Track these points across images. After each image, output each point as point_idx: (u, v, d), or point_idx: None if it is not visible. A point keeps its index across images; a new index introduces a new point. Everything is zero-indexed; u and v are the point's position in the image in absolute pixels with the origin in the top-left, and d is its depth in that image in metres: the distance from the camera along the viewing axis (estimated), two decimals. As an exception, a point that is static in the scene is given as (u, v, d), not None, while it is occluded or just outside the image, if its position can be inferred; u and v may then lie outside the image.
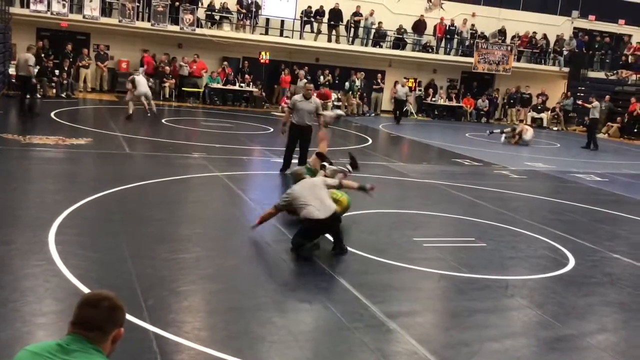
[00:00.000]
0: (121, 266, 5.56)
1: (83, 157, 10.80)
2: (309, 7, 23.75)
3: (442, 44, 26.01)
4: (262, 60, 22.52)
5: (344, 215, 7.64)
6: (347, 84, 23.48)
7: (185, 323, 4.61)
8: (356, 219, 7.93)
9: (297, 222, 7.61)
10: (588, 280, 6.56)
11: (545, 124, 25.36)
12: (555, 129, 25.29)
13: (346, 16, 24.16)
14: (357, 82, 23.63)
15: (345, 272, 5.97)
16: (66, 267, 5.36)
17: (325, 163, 8.29)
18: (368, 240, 7.32)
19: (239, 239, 6.73)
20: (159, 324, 4.45)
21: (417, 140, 18.05)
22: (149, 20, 21.31)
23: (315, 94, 11.83)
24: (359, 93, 23.78)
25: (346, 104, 23.34)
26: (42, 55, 18.52)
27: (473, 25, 26.42)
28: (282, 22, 23.76)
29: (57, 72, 19.54)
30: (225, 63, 22.60)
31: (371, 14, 24.53)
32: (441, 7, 26.02)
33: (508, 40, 26.61)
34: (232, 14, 23.00)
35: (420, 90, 26.00)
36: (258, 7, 23.09)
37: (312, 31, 23.96)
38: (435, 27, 25.63)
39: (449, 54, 26.14)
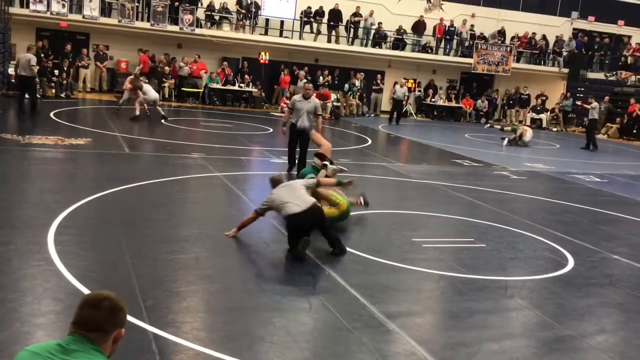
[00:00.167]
0: (120, 266, 5.56)
1: (82, 157, 10.79)
2: (309, 7, 23.75)
3: (442, 45, 26.02)
4: (261, 61, 22.52)
5: (345, 218, 7.71)
6: (346, 85, 23.48)
7: (185, 323, 4.61)
8: (355, 219, 7.93)
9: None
10: (587, 281, 6.56)
11: (544, 124, 25.37)
12: (554, 129, 25.30)
13: (346, 17, 24.17)
14: (357, 83, 23.62)
15: (344, 273, 5.96)
16: (65, 268, 5.36)
17: (326, 162, 8.28)
18: (367, 240, 7.32)
19: (238, 240, 6.73)
20: (158, 324, 4.45)
21: (417, 141, 18.06)
22: (148, 21, 21.32)
23: (314, 94, 11.81)
24: (358, 94, 23.79)
25: (345, 104, 23.35)
26: (42, 55, 18.50)
27: (472, 26, 26.44)
28: (282, 22, 23.76)
29: (56, 72, 19.53)
30: (225, 63, 22.59)
31: (371, 15, 24.54)
32: (441, 8, 26.03)
33: (507, 41, 26.62)
34: (231, 14, 23.01)
35: (419, 90, 26.01)
36: (258, 7, 23.09)
37: (311, 32, 23.97)
38: (434, 27, 25.65)
39: (448, 54, 26.16)
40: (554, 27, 27.69)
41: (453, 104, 25.88)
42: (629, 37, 28.87)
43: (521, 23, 27.01)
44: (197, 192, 9.09)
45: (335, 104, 22.32)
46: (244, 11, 23.01)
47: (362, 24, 24.65)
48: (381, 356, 4.37)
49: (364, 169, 11.55)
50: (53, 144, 11.32)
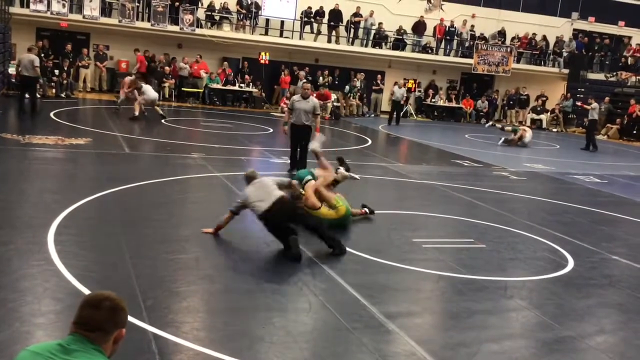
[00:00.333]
0: (120, 266, 5.56)
1: (82, 157, 10.79)
2: (309, 7, 23.76)
3: (442, 45, 26.03)
4: (261, 61, 22.52)
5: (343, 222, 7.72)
6: (347, 87, 23.47)
7: (184, 323, 4.61)
8: (355, 219, 7.93)
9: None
10: (587, 282, 6.56)
11: (544, 125, 25.38)
12: (554, 130, 25.31)
13: (346, 17, 24.17)
14: (358, 84, 23.59)
15: (344, 273, 5.97)
16: (65, 267, 5.36)
17: (341, 168, 8.24)
18: (367, 241, 7.32)
19: (238, 240, 6.73)
20: (158, 324, 4.45)
21: (417, 141, 18.06)
22: (148, 21, 21.32)
23: (314, 95, 11.82)
24: (358, 94, 23.79)
25: (345, 105, 23.35)
26: (42, 55, 18.51)
27: (473, 26, 26.44)
28: (282, 22, 23.76)
29: (56, 72, 19.54)
30: (225, 63, 22.60)
31: (371, 15, 24.55)
32: (441, 8, 26.03)
33: (508, 42, 26.62)
34: (232, 15, 23.01)
35: (419, 91, 26.01)
36: (258, 7, 23.10)
37: (312, 32, 23.97)
38: (435, 28, 25.65)
39: (448, 55, 26.17)
40: (554, 28, 27.70)
41: (453, 104, 25.88)
42: (629, 37, 28.87)
43: (521, 24, 27.01)
44: (197, 192, 9.09)
45: (335, 104, 22.33)
46: (244, 11, 23.01)
47: (362, 24, 24.66)
48: (381, 356, 4.37)
49: (364, 170, 11.54)
50: (53, 143, 11.32)
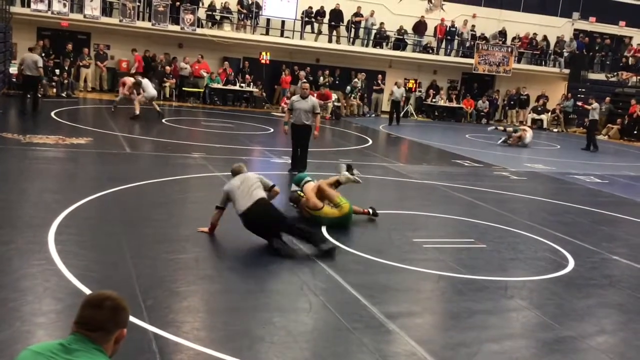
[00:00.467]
0: (121, 266, 5.57)
1: (83, 156, 10.80)
2: (310, 7, 23.76)
3: (443, 45, 26.03)
4: (262, 61, 22.53)
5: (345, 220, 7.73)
6: (348, 87, 23.46)
7: (185, 323, 4.61)
8: (356, 219, 7.93)
9: (303, 220, 7.65)
10: (587, 282, 6.56)
11: (545, 125, 25.37)
12: (555, 130, 25.30)
13: (347, 17, 24.18)
14: (359, 84, 23.58)
15: (344, 273, 5.97)
16: (66, 267, 5.36)
17: (346, 172, 8.21)
18: (368, 241, 7.32)
19: (238, 240, 6.73)
20: (158, 324, 4.45)
21: (417, 141, 18.06)
22: (149, 20, 21.33)
23: (315, 95, 11.84)
24: (359, 94, 23.79)
25: (345, 105, 23.34)
26: (43, 54, 18.51)
27: (473, 26, 26.43)
28: (283, 22, 23.77)
29: (57, 71, 19.55)
30: (226, 63, 22.61)
31: (372, 15, 24.54)
32: (442, 8, 26.03)
33: (508, 42, 26.62)
34: (232, 14, 23.01)
35: (420, 91, 26.00)
36: (259, 7, 23.09)
37: (312, 32, 23.97)
38: (435, 28, 25.65)
39: (449, 55, 26.16)
40: (555, 28, 27.69)
41: (454, 104, 25.87)
42: (630, 38, 28.85)
43: (522, 24, 27.01)
44: (198, 192, 9.09)
45: (336, 104, 22.33)
46: (245, 11, 23.02)
47: (363, 24, 24.66)
48: (381, 356, 4.37)
49: (364, 169, 11.53)
50: (54, 143, 11.33)
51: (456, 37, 26.13)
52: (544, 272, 6.68)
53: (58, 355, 2.09)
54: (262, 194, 6.62)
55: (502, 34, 26.60)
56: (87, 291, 4.81)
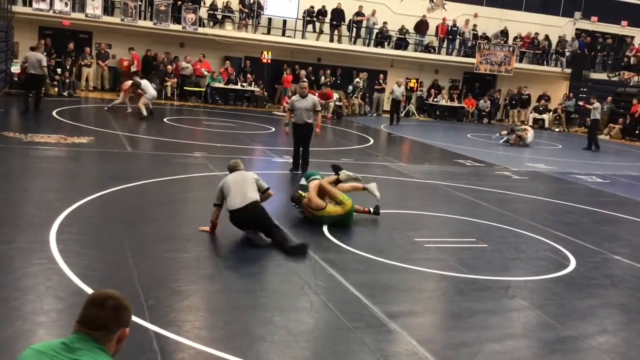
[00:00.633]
0: (122, 265, 5.57)
1: (84, 155, 10.80)
2: (311, 7, 23.76)
3: (444, 45, 26.01)
4: (264, 60, 22.53)
5: (348, 218, 7.73)
6: (350, 87, 23.45)
7: (186, 322, 4.61)
8: (357, 218, 7.93)
9: (304, 220, 7.66)
10: (589, 282, 6.55)
11: (547, 125, 25.35)
12: (557, 130, 25.28)
13: (348, 16, 24.17)
14: (361, 83, 23.56)
15: (345, 272, 5.96)
16: (67, 266, 5.37)
17: (339, 173, 8.22)
18: (369, 240, 7.32)
19: (239, 239, 6.73)
20: (159, 323, 4.45)
21: (419, 141, 18.04)
22: (151, 19, 21.34)
23: (316, 94, 11.87)
24: (360, 93, 23.78)
25: (347, 104, 23.34)
26: (44, 53, 18.53)
27: (475, 25, 26.42)
28: (285, 21, 23.76)
29: (59, 70, 19.56)
30: (228, 62, 22.61)
31: (373, 14, 24.53)
32: (443, 8, 26.01)
33: (510, 41, 26.60)
34: (234, 14, 23.02)
35: (421, 90, 25.99)
36: (260, 6, 23.09)
37: (314, 31, 23.98)
38: (437, 27, 25.63)
39: (451, 54, 26.15)
40: (556, 27, 27.66)
41: (455, 104, 25.86)
42: (632, 37, 28.82)
43: (524, 23, 26.98)
44: (199, 192, 9.09)
45: (337, 103, 22.33)
46: (246, 10, 23.01)
47: (364, 24, 24.65)
48: (382, 356, 4.37)
49: (366, 169, 11.53)
50: (55, 142, 11.33)
51: (458, 37, 26.11)
52: (545, 272, 6.68)
53: (61, 354, 2.09)
54: (256, 196, 6.65)
55: (504, 33, 26.58)
56: (89, 290, 4.82)
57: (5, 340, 4.04)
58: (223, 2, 22.88)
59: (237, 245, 6.63)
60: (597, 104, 19.59)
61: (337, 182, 8.04)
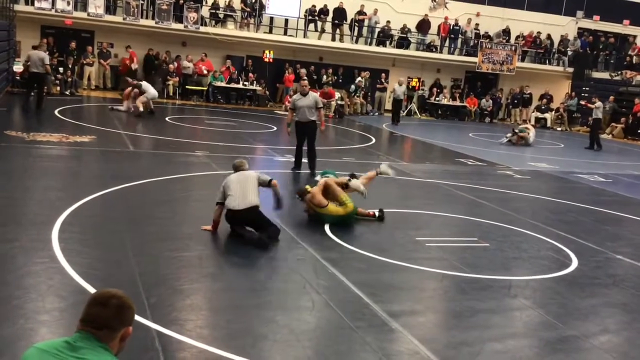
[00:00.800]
0: (124, 264, 5.57)
1: (86, 154, 10.81)
2: (313, 6, 23.74)
3: (446, 44, 25.97)
4: (266, 59, 22.52)
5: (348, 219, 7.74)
6: (352, 86, 23.43)
7: (188, 321, 4.62)
8: (358, 218, 7.93)
9: (307, 219, 7.67)
10: (591, 281, 6.55)
11: (549, 124, 25.33)
12: (559, 129, 25.24)
13: (350, 15, 24.15)
14: (363, 82, 23.53)
15: (347, 271, 5.97)
16: (69, 265, 5.37)
17: (349, 179, 8.23)
18: (371, 239, 7.32)
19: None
20: (161, 322, 4.46)
21: (421, 140, 18.03)
22: (153, 18, 21.34)
23: (318, 93, 11.89)
24: (362, 92, 23.77)
25: (349, 103, 23.32)
26: (47, 52, 18.53)
27: (477, 24, 26.39)
28: (286, 20, 23.75)
29: (61, 69, 19.57)
30: (229, 61, 22.61)
31: (375, 13, 24.51)
32: (445, 7, 25.98)
33: (512, 40, 26.57)
34: (236, 13, 23.01)
35: (423, 89, 25.97)
36: (262, 5, 23.08)
37: (316, 30, 23.96)
38: (439, 26, 25.60)
39: (453, 53, 26.12)
40: (559, 27, 27.62)
41: (457, 103, 25.84)
42: (634, 36, 28.77)
43: (526, 22, 26.95)
44: (201, 190, 9.10)
45: (339, 102, 22.32)
46: (248, 9, 23.01)
47: (366, 23, 24.63)
48: (384, 355, 4.37)
49: (367, 168, 11.51)
50: (57, 141, 11.35)
51: (460, 36, 26.08)
52: (547, 271, 6.67)
53: (64, 352, 2.09)
54: (256, 200, 6.72)
55: (506, 32, 26.55)
56: (91, 289, 4.83)
57: (8, 338, 4.05)
58: (225, 1, 22.89)
59: (239, 244, 6.63)
60: (599, 103, 19.56)
61: (345, 186, 8.06)
